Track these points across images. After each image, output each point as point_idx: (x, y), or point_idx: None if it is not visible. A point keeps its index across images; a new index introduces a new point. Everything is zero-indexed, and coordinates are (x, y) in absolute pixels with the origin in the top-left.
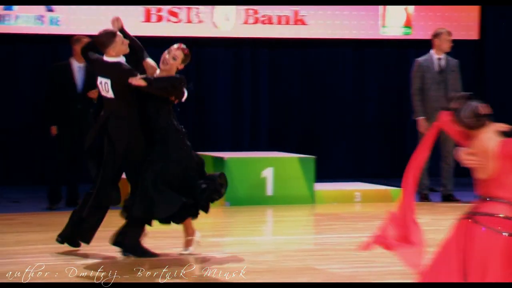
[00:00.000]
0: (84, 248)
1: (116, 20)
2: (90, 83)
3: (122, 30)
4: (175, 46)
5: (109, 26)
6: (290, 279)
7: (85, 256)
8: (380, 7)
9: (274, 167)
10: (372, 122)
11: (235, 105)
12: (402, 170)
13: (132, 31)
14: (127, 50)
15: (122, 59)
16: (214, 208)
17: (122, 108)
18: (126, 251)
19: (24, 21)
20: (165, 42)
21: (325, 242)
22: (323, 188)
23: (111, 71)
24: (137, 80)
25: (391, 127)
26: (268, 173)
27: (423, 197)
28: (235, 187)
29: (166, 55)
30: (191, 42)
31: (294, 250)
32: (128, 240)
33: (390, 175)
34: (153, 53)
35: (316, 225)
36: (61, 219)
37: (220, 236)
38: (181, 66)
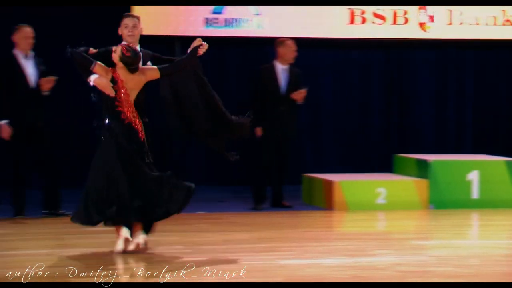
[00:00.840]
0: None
1: (197, 40)
2: (294, 85)
3: (194, 49)
4: (123, 43)
5: (307, 29)
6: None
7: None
8: None
9: (479, 170)
10: None
11: (440, 107)
12: None
13: (337, 33)
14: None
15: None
16: (418, 211)
17: None
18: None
19: (232, 24)
20: (369, 44)
21: None
22: None
23: None
24: None
25: None
26: (473, 176)
27: None
28: (439, 190)
29: None
30: (395, 44)
31: (502, 255)
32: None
33: None
34: (357, 56)
35: None
36: (266, 219)
37: (424, 239)
38: (119, 65)
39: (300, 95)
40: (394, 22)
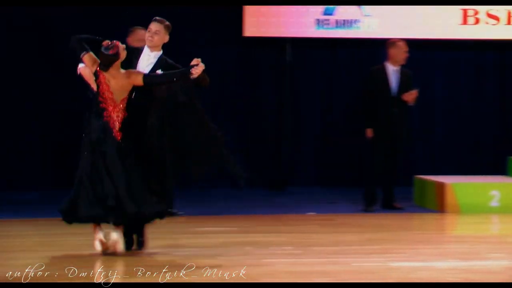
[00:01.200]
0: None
1: (195, 60)
2: (405, 86)
3: (188, 68)
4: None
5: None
6: None
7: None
8: None
9: None
10: None
11: None
12: None
13: (449, 34)
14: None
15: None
16: None
17: None
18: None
19: (343, 26)
20: (482, 45)
21: None
22: None
23: None
24: None
25: None
26: None
27: None
28: None
29: None
30: (510, 45)
31: None
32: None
33: None
34: (470, 57)
35: None
36: (377, 221)
37: None
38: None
39: (411, 96)
40: (509, 23)
